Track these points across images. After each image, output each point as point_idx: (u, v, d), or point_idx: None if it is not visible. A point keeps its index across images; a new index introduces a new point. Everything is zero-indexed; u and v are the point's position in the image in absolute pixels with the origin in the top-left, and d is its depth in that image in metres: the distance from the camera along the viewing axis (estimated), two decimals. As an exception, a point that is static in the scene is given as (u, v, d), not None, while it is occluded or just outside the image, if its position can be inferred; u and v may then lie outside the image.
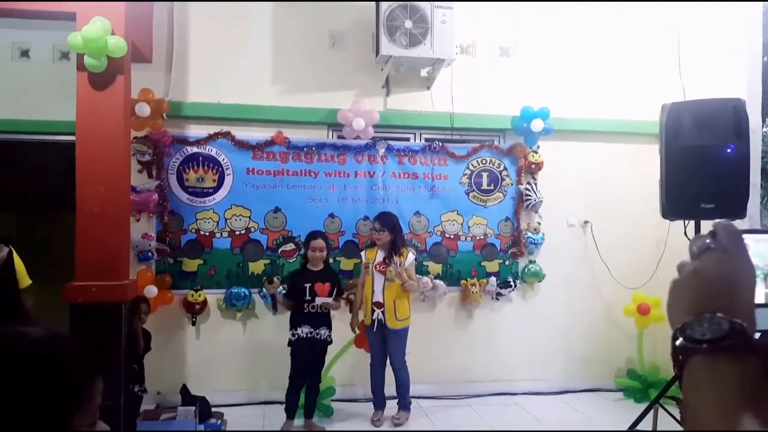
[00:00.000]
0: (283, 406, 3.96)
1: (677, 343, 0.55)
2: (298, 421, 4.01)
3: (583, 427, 4.17)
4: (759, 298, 2.82)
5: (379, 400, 4.22)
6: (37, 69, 4.45)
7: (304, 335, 3.91)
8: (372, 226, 4.33)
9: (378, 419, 4.16)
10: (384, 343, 4.14)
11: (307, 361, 3.96)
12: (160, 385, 4.28)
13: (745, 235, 0.60)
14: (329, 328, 3.99)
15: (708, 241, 0.60)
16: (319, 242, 4.00)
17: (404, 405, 4.21)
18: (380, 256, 4.15)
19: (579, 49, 5.03)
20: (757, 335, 0.54)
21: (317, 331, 3.93)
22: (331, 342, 4.03)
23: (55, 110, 4.22)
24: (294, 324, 3.96)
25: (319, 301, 3.90)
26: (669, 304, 0.60)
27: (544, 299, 4.99)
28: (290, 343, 3.96)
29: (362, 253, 4.30)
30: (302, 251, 4.56)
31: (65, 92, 3.82)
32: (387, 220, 4.20)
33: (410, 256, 4.19)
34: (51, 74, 4.40)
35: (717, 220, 0.63)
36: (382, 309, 4.05)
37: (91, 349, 0.89)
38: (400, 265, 4.07)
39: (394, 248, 4.13)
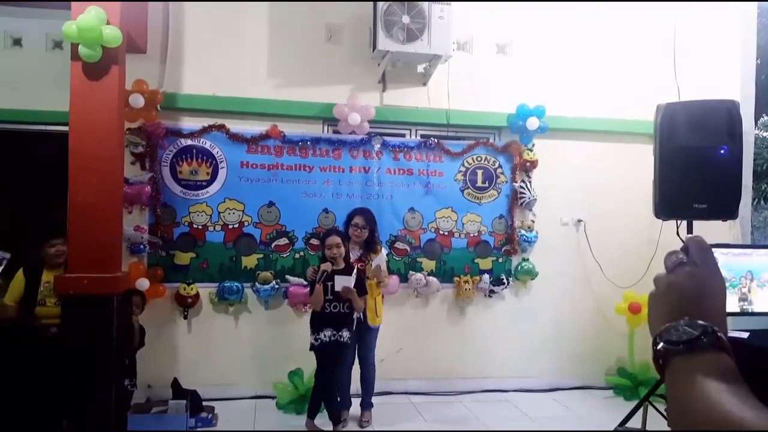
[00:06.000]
0: (274, 400, 3.91)
1: (657, 347, 0.60)
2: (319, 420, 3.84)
3: (573, 424, 4.21)
4: (729, 307, 2.92)
5: (346, 399, 4.11)
6: (29, 58, 4.41)
7: (327, 339, 3.66)
8: (352, 222, 4.00)
9: (344, 419, 4.05)
10: (355, 342, 4.03)
11: (335, 364, 3.75)
12: (151, 378, 4.26)
13: (714, 250, 0.66)
14: (350, 330, 3.76)
15: (681, 256, 0.67)
16: (334, 239, 3.72)
17: (369, 404, 4.15)
18: (355, 253, 4.00)
19: (575, 48, 5.04)
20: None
21: (340, 333, 3.67)
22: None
23: (47, 100, 4.18)
24: (315, 328, 3.70)
25: (338, 283, 3.56)
26: (648, 314, 0.67)
27: (537, 297, 5.01)
28: (313, 348, 3.71)
29: None
30: (296, 246, 4.58)
31: (58, 82, 3.78)
32: (370, 217, 4.04)
33: (383, 252, 4.13)
34: (44, 63, 4.36)
35: (689, 236, 0.68)
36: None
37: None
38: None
39: (369, 245, 4.02)
